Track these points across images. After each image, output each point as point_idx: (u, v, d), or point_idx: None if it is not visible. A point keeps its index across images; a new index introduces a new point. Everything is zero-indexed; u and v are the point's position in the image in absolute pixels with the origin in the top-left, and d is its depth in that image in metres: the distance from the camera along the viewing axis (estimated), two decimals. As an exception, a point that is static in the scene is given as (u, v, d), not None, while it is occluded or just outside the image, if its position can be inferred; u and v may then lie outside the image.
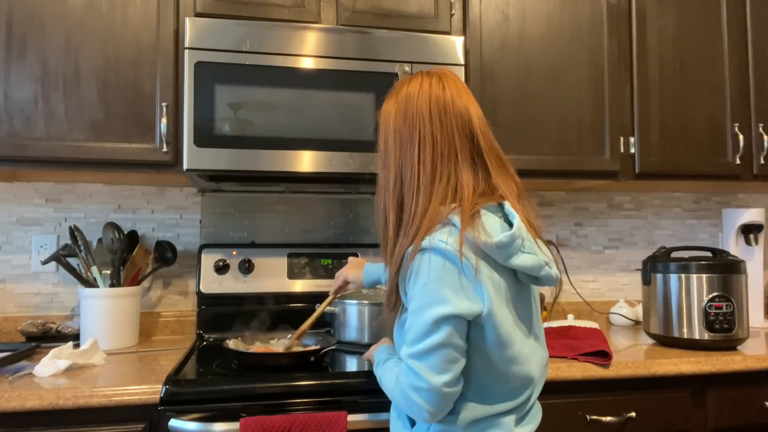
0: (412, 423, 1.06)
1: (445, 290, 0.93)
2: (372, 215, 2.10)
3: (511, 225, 0.99)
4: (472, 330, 0.96)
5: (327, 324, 1.79)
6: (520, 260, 0.96)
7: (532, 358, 1.02)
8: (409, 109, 1.04)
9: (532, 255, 0.98)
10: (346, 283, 1.48)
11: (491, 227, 0.97)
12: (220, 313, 1.87)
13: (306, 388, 1.31)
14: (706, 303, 1.62)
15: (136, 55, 1.62)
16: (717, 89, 1.95)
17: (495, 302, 0.95)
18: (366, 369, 1.41)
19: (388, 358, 1.10)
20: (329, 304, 1.53)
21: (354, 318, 1.67)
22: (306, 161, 1.61)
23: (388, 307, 1.07)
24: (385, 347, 1.17)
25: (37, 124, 1.56)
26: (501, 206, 1.03)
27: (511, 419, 1.01)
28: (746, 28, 1.98)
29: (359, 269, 1.44)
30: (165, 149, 1.60)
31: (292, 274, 1.91)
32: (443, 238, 0.94)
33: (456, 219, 0.96)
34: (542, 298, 1.56)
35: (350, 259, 1.50)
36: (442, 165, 1.01)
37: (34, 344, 1.55)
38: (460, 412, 0.99)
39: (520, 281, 1.01)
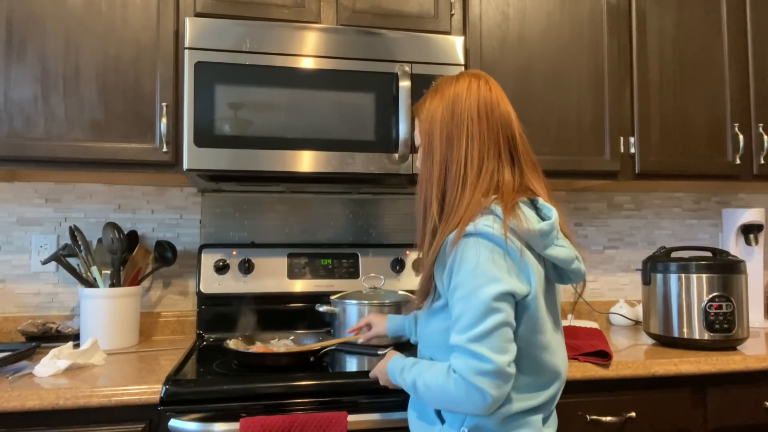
0: (442, 420, 1.06)
1: (496, 270, 0.95)
2: (371, 215, 2.10)
3: (543, 219, 1.04)
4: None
5: (327, 324, 1.79)
6: (556, 251, 1.02)
7: (560, 352, 1.07)
8: (458, 108, 1.08)
9: (565, 248, 1.03)
10: (368, 326, 1.50)
11: (529, 216, 1.01)
12: (220, 313, 1.87)
13: (306, 388, 1.31)
14: (706, 303, 1.62)
15: (136, 55, 1.62)
16: (717, 89, 1.95)
17: (539, 286, 1.00)
18: (366, 369, 1.41)
19: (415, 362, 1.08)
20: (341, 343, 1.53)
21: (354, 318, 1.67)
22: (306, 161, 1.61)
23: (422, 296, 1.08)
24: (398, 357, 1.16)
25: (37, 124, 1.56)
26: (533, 201, 1.07)
27: (539, 418, 1.03)
28: (746, 28, 1.98)
29: (383, 316, 1.48)
30: (165, 149, 1.60)
31: (292, 274, 1.91)
32: (488, 223, 0.98)
33: (498, 209, 1.00)
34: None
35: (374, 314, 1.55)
36: (488, 161, 1.06)
37: (34, 344, 1.55)
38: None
39: (548, 279, 1.05)
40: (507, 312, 0.95)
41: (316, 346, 1.48)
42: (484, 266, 0.95)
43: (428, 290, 1.07)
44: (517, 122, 1.11)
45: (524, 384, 1.02)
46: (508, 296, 0.95)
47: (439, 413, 1.07)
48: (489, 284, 0.94)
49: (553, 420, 1.10)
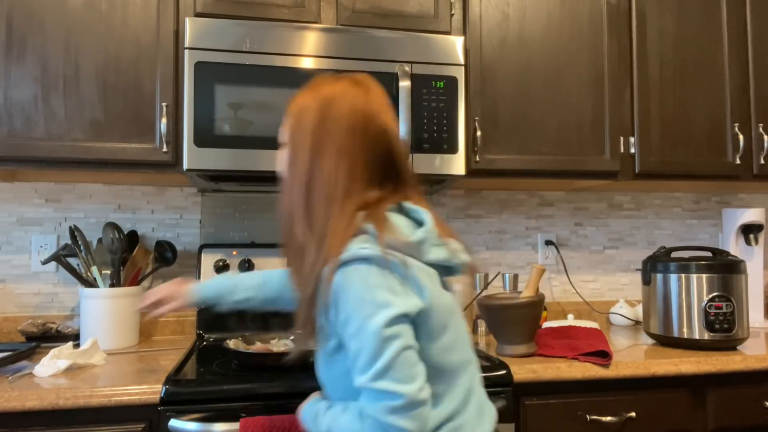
0: None
1: (383, 294, 0.87)
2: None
3: (416, 222, 1.00)
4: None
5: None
6: (435, 254, 0.97)
7: (463, 339, 0.99)
8: (330, 113, 0.98)
9: (443, 247, 0.99)
10: (170, 297, 1.35)
11: (402, 226, 0.96)
12: (220, 313, 1.87)
13: (306, 388, 1.30)
14: (706, 303, 1.62)
15: (136, 55, 1.62)
16: (717, 89, 1.95)
17: (434, 292, 0.93)
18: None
19: (329, 406, 0.98)
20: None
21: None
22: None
23: (306, 334, 0.97)
24: (313, 400, 1.05)
25: (37, 124, 1.56)
26: (400, 206, 1.01)
27: (468, 416, 0.96)
28: (746, 28, 1.98)
29: (187, 284, 1.36)
30: (165, 149, 1.60)
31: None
32: (363, 245, 0.89)
33: (370, 226, 0.93)
34: (542, 297, 1.55)
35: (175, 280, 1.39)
36: (356, 181, 0.96)
37: (34, 344, 1.55)
38: None
39: (439, 275, 1.00)
40: (404, 336, 0.86)
41: None
42: (368, 293, 0.86)
43: (309, 327, 0.96)
44: (396, 138, 1.01)
45: (438, 392, 0.94)
46: (402, 318, 0.87)
47: None
48: (378, 312, 0.85)
49: (488, 404, 1.01)
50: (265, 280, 1.36)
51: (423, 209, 0.99)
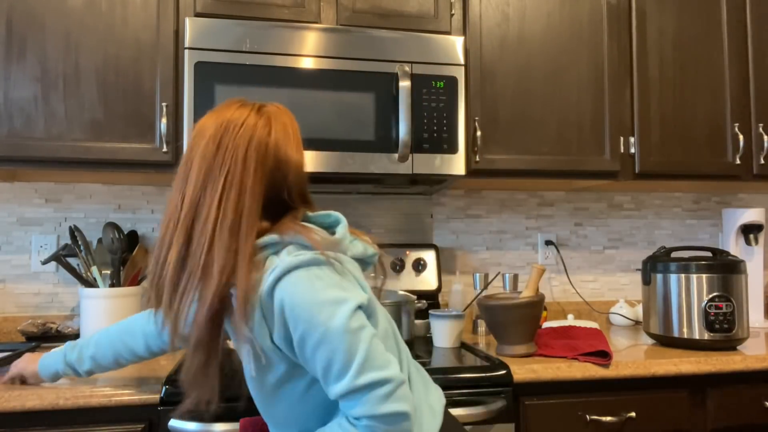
0: None
1: (334, 292, 0.86)
2: (371, 215, 2.10)
3: (325, 228, 1.01)
4: None
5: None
6: (355, 249, 1.00)
7: (384, 322, 1.01)
8: (225, 141, 0.94)
9: (358, 242, 1.02)
10: (22, 376, 1.26)
11: (318, 230, 0.96)
12: (220, 313, 1.87)
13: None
14: (706, 303, 1.62)
15: (136, 55, 1.62)
16: (717, 89, 1.95)
17: (366, 286, 0.96)
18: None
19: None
20: None
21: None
22: (305, 161, 1.60)
23: (264, 371, 0.92)
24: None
25: (37, 124, 1.56)
26: (306, 217, 1.01)
27: (416, 397, 0.98)
28: (746, 28, 1.98)
29: (35, 358, 1.26)
30: (165, 149, 1.60)
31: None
32: (292, 253, 0.88)
33: (287, 237, 0.91)
34: (542, 297, 1.55)
35: (26, 355, 1.29)
36: (248, 218, 0.91)
37: (34, 344, 1.55)
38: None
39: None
40: (367, 325, 0.86)
41: None
42: (319, 296, 0.84)
43: (267, 362, 0.91)
44: (296, 171, 0.98)
45: None
46: (358, 309, 0.87)
47: None
48: (337, 310, 0.84)
49: (433, 384, 1.05)
50: (108, 338, 1.22)
51: (328, 211, 1.02)
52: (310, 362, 0.86)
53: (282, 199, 0.97)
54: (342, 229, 0.99)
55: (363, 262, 1.04)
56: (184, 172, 0.96)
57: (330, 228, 1.02)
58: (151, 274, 0.94)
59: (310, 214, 1.02)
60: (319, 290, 0.85)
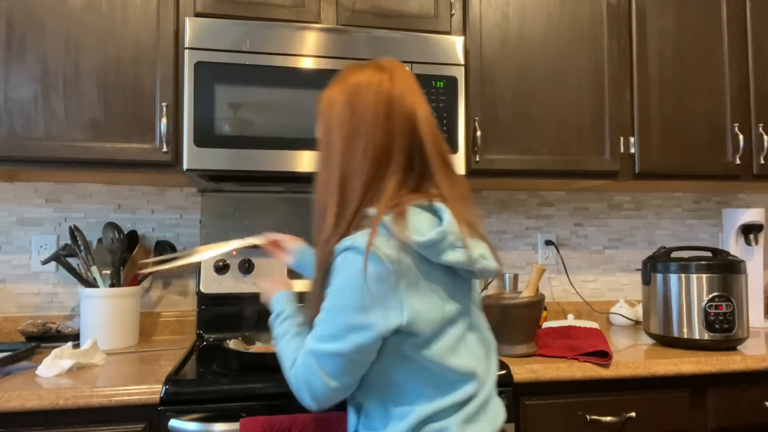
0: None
1: (359, 299, 0.90)
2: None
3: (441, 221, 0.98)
4: (393, 336, 0.93)
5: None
6: (452, 257, 0.94)
7: (469, 350, 0.99)
8: (357, 104, 1.00)
9: (462, 250, 0.95)
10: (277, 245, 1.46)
11: (421, 225, 0.94)
12: (220, 313, 1.87)
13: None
14: (706, 303, 1.62)
15: (136, 55, 1.62)
16: (717, 89, 1.95)
17: (418, 306, 0.92)
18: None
19: (289, 317, 1.09)
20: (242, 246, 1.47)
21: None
22: (306, 161, 1.61)
23: (315, 313, 0.99)
24: (284, 296, 1.15)
25: (37, 124, 1.56)
26: (431, 204, 0.99)
27: (456, 419, 0.96)
28: (746, 28, 1.98)
29: (301, 244, 1.46)
30: (165, 149, 1.60)
31: (292, 274, 1.91)
32: (365, 239, 0.91)
33: (383, 219, 0.94)
34: (542, 297, 1.55)
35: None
36: (380, 168, 0.98)
37: (34, 344, 1.55)
38: (405, 418, 0.95)
39: (458, 275, 0.99)
40: (356, 346, 0.91)
41: (203, 249, 1.46)
42: (349, 288, 0.91)
43: (320, 305, 0.99)
44: (425, 121, 1.01)
45: (428, 391, 0.96)
46: (365, 331, 0.90)
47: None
48: (347, 311, 0.91)
49: (486, 417, 1.00)
50: None
51: (446, 209, 0.97)
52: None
53: (414, 152, 1.00)
54: (435, 235, 0.92)
55: (470, 271, 0.98)
56: (326, 144, 1.03)
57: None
58: (316, 241, 1.03)
59: (435, 204, 0.98)
60: (357, 285, 0.90)
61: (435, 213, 0.99)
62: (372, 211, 0.96)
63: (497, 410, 1.02)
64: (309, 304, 1.02)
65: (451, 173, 1.02)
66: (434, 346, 0.94)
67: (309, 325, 1.03)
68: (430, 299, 0.94)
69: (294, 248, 1.44)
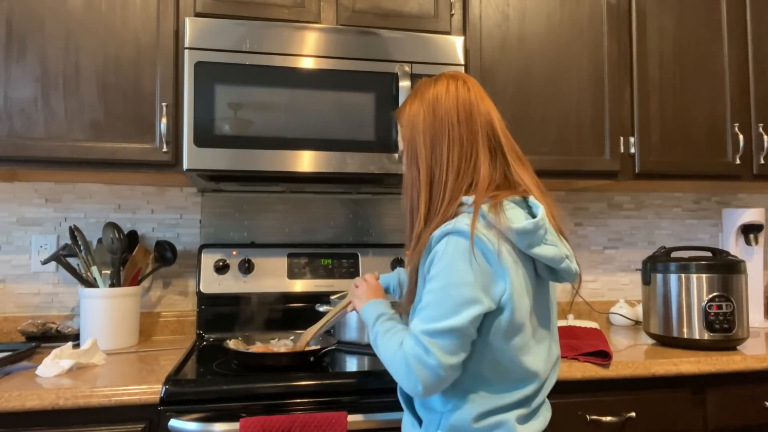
0: (420, 421, 1.08)
1: (469, 275, 0.95)
2: (371, 215, 2.10)
3: (534, 217, 1.03)
4: (485, 319, 0.98)
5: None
6: (542, 250, 1.00)
7: (540, 352, 1.04)
8: (438, 111, 1.09)
9: (553, 246, 1.02)
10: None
11: (515, 217, 1.00)
12: (220, 313, 1.87)
13: (306, 388, 1.31)
14: (706, 303, 1.62)
15: (136, 55, 1.62)
16: (717, 89, 1.95)
17: (516, 288, 0.98)
18: (366, 369, 1.41)
19: (389, 317, 1.11)
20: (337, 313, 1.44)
21: (354, 318, 1.67)
22: (306, 161, 1.61)
23: (410, 298, 1.08)
24: (379, 303, 1.17)
25: (37, 124, 1.56)
26: (525, 200, 1.07)
27: (513, 415, 1.02)
28: (746, 28, 1.98)
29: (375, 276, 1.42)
30: (165, 149, 1.60)
31: (292, 274, 1.91)
32: (466, 221, 0.98)
33: (481, 207, 1.00)
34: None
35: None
36: (467, 163, 1.07)
37: (34, 344, 1.55)
38: (464, 406, 1.01)
39: (539, 275, 1.05)
40: (469, 320, 0.95)
41: (314, 329, 1.44)
42: (456, 266, 0.96)
43: (415, 292, 1.07)
44: (498, 118, 1.12)
45: (496, 383, 1.02)
46: (475, 305, 0.95)
47: (416, 415, 1.09)
48: (457, 287, 0.96)
49: (539, 415, 1.07)
50: None
51: (539, 205, 1.03)
52: (422, 295, 1.01)
53: (495, 146, 1.09)
54: (529, 224, 0.98)
55: (553, 270, 1.05)
56: (411, 151, 1.12)
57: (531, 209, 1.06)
58: (408, 237, 1.12)
59: (530, 200, 1.06)
60: (463, 263, 0.96)
61: (529, 208, 1.06)
62: (469, 199, 1.02)
63: (547, 414, 1.10)
64: (404, 300, 1.10)
65: (526, 165, 1.13)
66: (516, 339, 1.00)
67: (405, 312, 1.10)
68: (524, 283, 1.00)
69: (379, 279, 1.40)
